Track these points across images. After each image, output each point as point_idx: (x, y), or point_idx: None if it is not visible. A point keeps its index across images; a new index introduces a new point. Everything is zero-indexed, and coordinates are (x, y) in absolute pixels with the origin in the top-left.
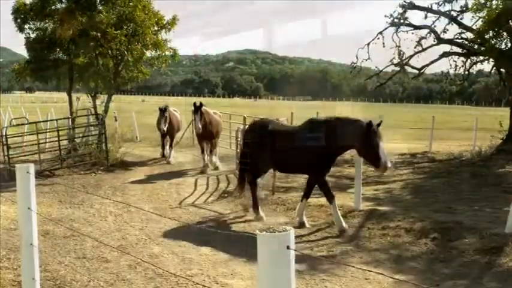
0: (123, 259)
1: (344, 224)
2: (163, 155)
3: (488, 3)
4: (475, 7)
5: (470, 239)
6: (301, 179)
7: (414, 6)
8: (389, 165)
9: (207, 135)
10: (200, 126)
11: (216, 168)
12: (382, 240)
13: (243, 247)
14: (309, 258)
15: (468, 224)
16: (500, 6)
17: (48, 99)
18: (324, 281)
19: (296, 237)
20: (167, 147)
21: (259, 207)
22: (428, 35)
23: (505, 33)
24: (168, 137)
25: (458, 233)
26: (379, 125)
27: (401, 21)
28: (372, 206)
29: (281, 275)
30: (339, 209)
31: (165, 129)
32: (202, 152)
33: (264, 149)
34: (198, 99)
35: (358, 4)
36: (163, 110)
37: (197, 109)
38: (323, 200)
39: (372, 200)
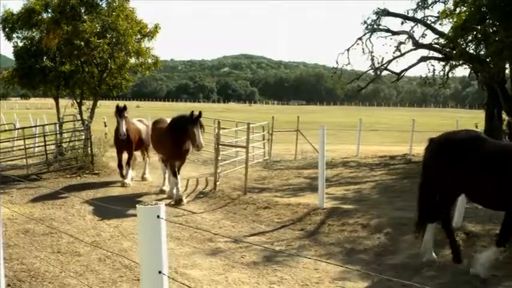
0: (94, 253)
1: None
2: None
3: (457, 9)
4: (444, 14)
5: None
6: (278, 181)
7: (388, 13)
8: None
9: (127, 143)
10: (124, 130)
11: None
12: (339, 235)
13: (208, 242)
14: (265, 251)
15: None
16: (467, 13)
17: (43, 105)
18: (276, 271)
19: (260, 233)
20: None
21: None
22: (407, 40)
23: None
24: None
25: (411, 228)
26: None
27: (375, 27)
28: (338, 204)
29: (154, 237)
30: (305, 208)
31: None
32: (121, 167)
33: (460, 174)
34: (193, 105)
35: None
36: (197, 118)
37: (121, 111)
38: (292, 200)
39: (340, 199)
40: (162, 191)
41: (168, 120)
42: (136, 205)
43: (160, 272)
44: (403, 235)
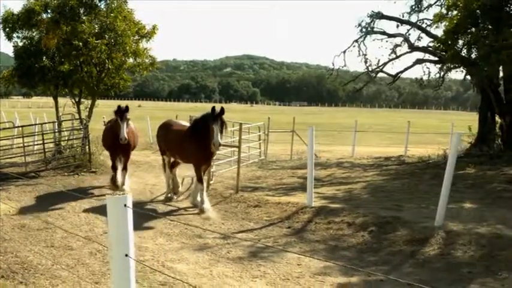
0: (86, 247)
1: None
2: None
3: (450, 13)
4: (437, 17)
5: (403, 232)
6: (271, 180)
7: (383, 16)
8: None
9: (126, 148)
10: (126, 135)
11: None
12: (325, 233)
13: (197, 238)
14: (251, 247)
15: (406, 219)
16: (458, 17)
17: (45, 104)
18: (259, 266)
19: (248, 230)
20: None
21: None
22: (402, 43)
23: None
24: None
25: (394, 226)
26: None
27: (369, 29)
28: (327, 203)
29: (122, 224)
30: (294, 206)
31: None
32: (116, 168)
33: None
34: (195, 105)
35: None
36: (218, 115)
37: (123, 112)
38: (283, 199)
39: (330, 198)
40: (168, 199)
41: (180, 122)
42: (106, 194)
43: (126, 255)
44: (386, 233)
